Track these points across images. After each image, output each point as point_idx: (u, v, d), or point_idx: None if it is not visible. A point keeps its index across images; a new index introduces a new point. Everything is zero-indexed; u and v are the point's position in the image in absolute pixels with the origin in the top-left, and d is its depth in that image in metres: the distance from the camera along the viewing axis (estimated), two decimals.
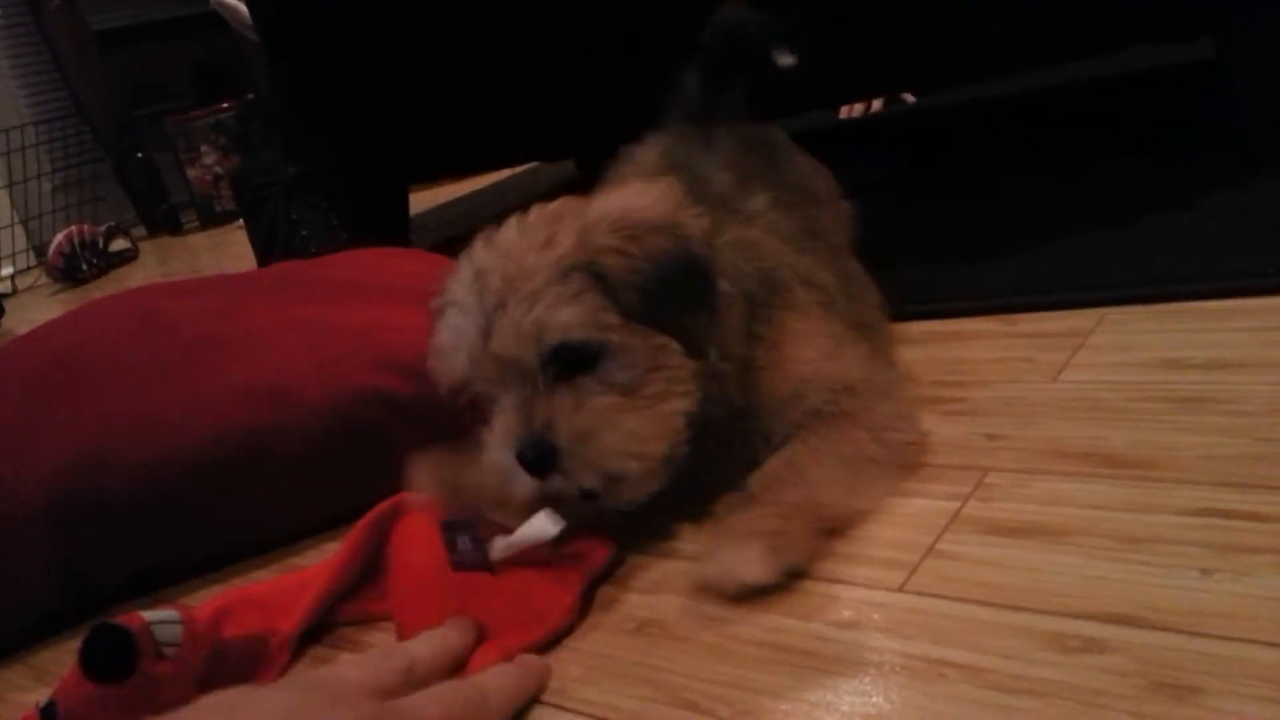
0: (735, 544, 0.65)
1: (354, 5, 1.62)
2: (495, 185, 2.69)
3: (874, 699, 0.54)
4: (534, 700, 0.61)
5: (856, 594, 0.63)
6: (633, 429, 0.67)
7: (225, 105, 3.59)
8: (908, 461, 0.74)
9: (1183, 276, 0.95)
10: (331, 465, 0.89)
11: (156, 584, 0.88)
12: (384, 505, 0.76)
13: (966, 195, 1.42)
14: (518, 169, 2.74)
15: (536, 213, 0.72)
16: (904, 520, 0.70)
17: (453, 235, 2.16)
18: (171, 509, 0.85)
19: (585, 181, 2.46)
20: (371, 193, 1.80)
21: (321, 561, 0.77)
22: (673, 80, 1.03)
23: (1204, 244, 1.02)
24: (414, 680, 0.58)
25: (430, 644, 0.62)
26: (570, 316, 0.66)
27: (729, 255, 0.75)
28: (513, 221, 0.72)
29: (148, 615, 0.61)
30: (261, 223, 1.66)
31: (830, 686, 0.56)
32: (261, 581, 0.77)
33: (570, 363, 0.67)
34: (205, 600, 0.70)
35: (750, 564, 0.63)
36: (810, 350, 0.75)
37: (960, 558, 0.64)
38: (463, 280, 0.71)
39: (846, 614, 0.62)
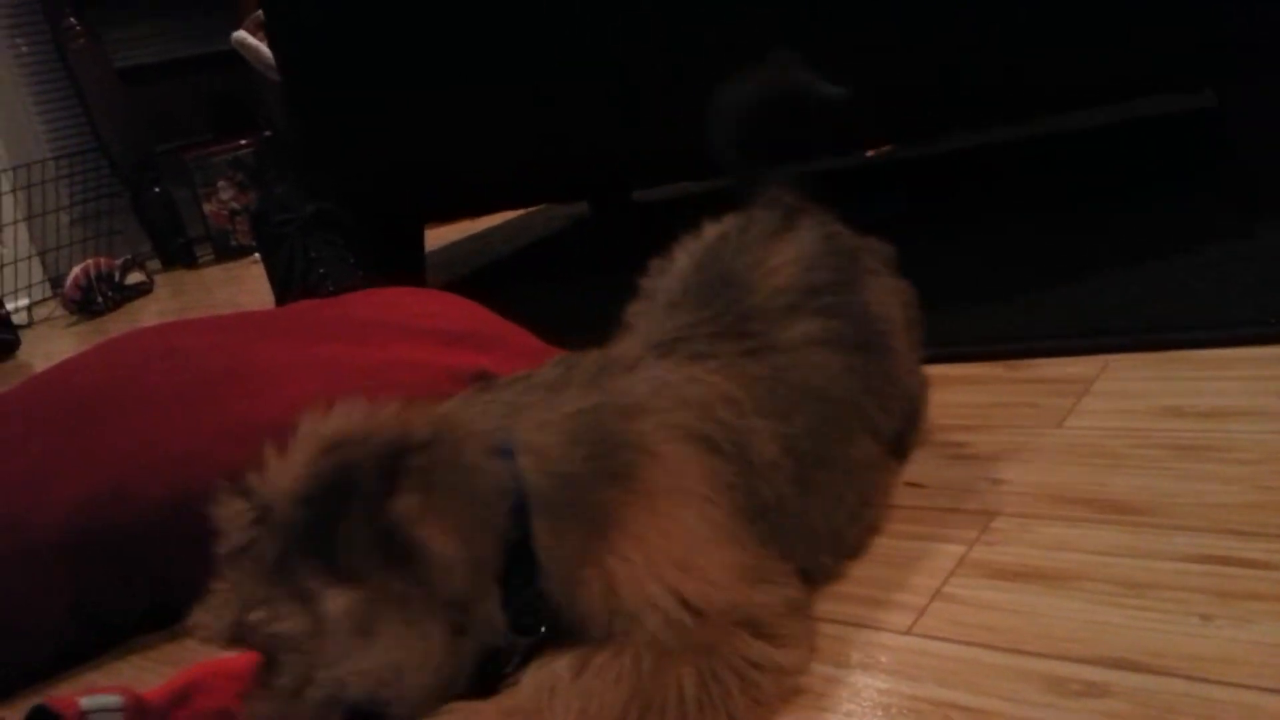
0: None
1: (374, 45, 1.66)
2: (509, 224, 2.73)
3: None
4: None
5: (865, 636, 0.64)
6: None
7: (243, 142, 3.65)
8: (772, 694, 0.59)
9: (1185, 324, 0.97)
10: None
11: (173, 618, 0.89)
12: None
13: (969, 239, 1.44)
14: (531, 209, 2.77)
15: None
16: (912, 563, 0.71)
17: (466, 274, 2.19)
18: (188, 545, 0.86)
19: (598, 222, 2.50)
20: (388, 231, 1.83)
21: None
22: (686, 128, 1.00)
23: (1206, 291, 1.03)
24: None
25: None
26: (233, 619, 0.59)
27: (518, 451, 0.60)
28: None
29: (85, 702, 0.61)
30: (279, 259, 1.69)
31: None
32: (239, 655, 0.70)
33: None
34: (176, 673, 0.69)
35: None
36: (649, 557, 0.58)
37: (967, 601, 0.65)
38: None
39: (855, 656, 0.63)
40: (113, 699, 0.61)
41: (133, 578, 0.87)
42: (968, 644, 0.61)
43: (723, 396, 0.66)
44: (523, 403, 0.64)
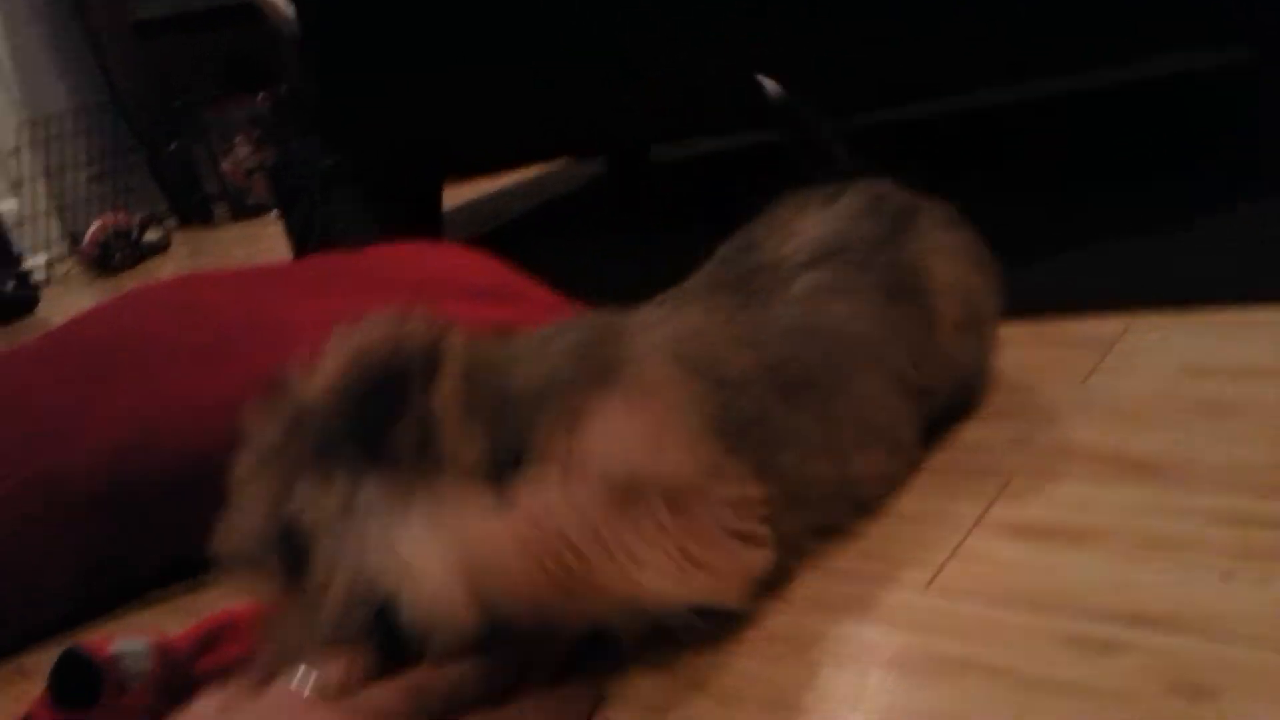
0: None
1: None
2: (525, 183, 2.71)
3: (897, 695, 0.55)
4: None
5: (882, 592, 0.65)
6: None
7: (260, 98, 3.63)
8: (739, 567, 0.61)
9: (1211, 284, 0.95)
10: None
11: (197, 569, 0.90)
12: None
13: (993, 201, 1.43)
14: (548, 167, 2.75)
15: None
16: (930, 519, 0.71)
17: (485, 232, 2.18)
18: (211, 497, 0.87)
19: (615, 182, 2.49)
20: (406, 187, 1.82)
21: None
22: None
23: (1232, 250, 1.02)
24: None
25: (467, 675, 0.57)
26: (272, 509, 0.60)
27: (521, 361, 0.64)
28: None
29: (116, 647, 0.62)
30: (297, 214, 1.69)
31: (854, 682, 0.57)
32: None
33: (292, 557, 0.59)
34: (200, 621, 0.70)
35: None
36: (617, 430, 0.59)
37: (986, 559, 0.65)
38: None
39: (872, 611, 0.63)
40: (141, 644, 0.62)
41: (157, 529, 0.88)
42: (987, 600, 0.61)
43: (696, 329, 0.68)
44: (527, 339, 0.67)
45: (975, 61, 1.33)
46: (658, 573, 0.55)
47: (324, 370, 0.60)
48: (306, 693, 0.53)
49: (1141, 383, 0.83)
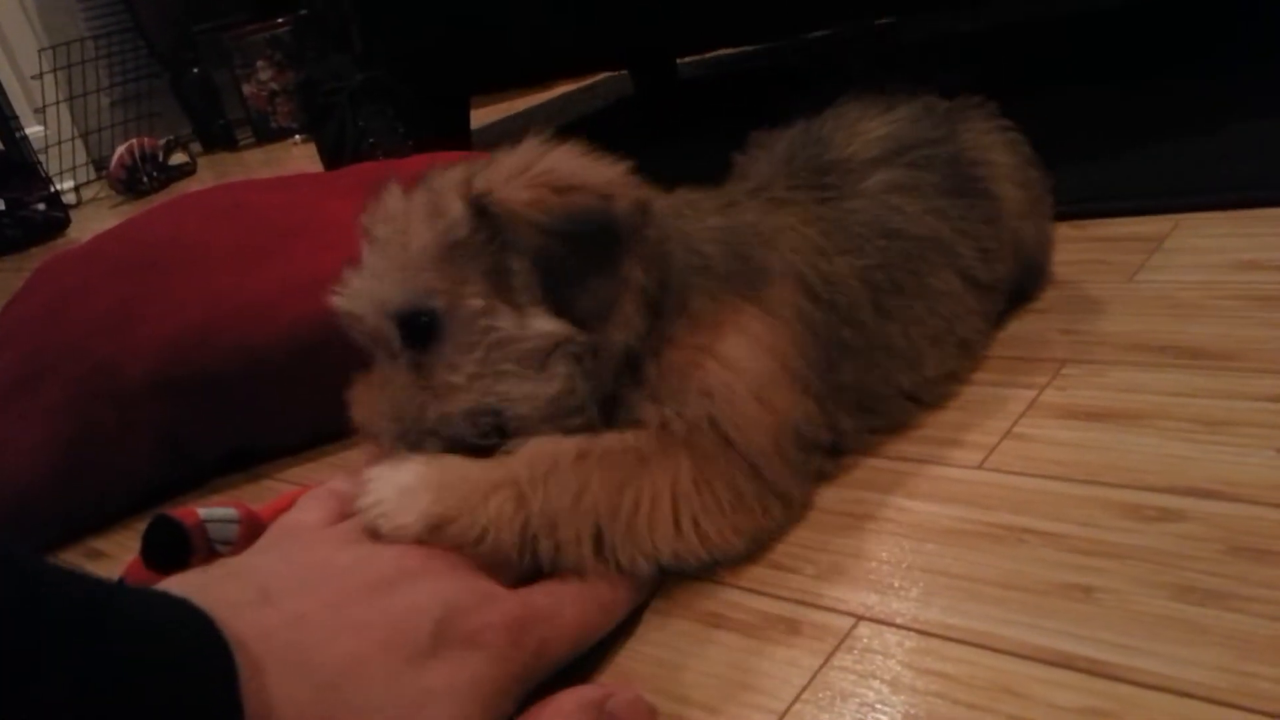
0: (416, 481, 0.55)
1: None
2: (552, 102, 2.69)
3: (954, 560, 0.57)
4: None
5: (935, 471, 0.66)
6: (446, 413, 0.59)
7: (280, 20, 3.59)
8: (759, 531, 0.61)
9: (1260, 182, 0.95)
10: None
11: (255, 459, 0.93)
12: None
13: (1038, 103, 1.41)
14: (573, 85, 2.73)
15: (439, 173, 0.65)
16: (981, 407, 0.72)
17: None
18: (269, 388, 0.89)
19: (642, 98, 2.46)
20: (436, 101, 1.81)
21: None
22: None
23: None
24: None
25: None
26: (415, 285, 0.59)
27: (687, 239, 0.65)
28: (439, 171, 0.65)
29: (204, 513, 0.63)
30: (329, 129, 1.68)
31: (911, 549, 0.59)
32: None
33: (416, 333, 0.60)
34: (283, 494, 0.72)
35: (405, 511, 0.53)
36: (732, 366, 0.61)
37: (1038, 439, 0.66)
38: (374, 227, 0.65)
39: (925, 487, 0.64)
40: (229, 511, 0.63)
41: (215, 419, 0.89)
42: (1041, 476, 0.62)
43: (815, 246, 0.69)
44: (674, 210, 0.68)
45: None
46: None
47: (533, 194, 0.59)
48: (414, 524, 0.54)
49: (1190, 277, 0.83)
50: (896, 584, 0.56)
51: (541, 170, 0.61)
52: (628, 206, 0.60)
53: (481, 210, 0.59)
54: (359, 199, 1.08)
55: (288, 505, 0.65)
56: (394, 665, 0.45)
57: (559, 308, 0.59)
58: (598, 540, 0.55)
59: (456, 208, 0.60)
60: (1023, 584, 0.53)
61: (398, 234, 0.61)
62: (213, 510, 0.62)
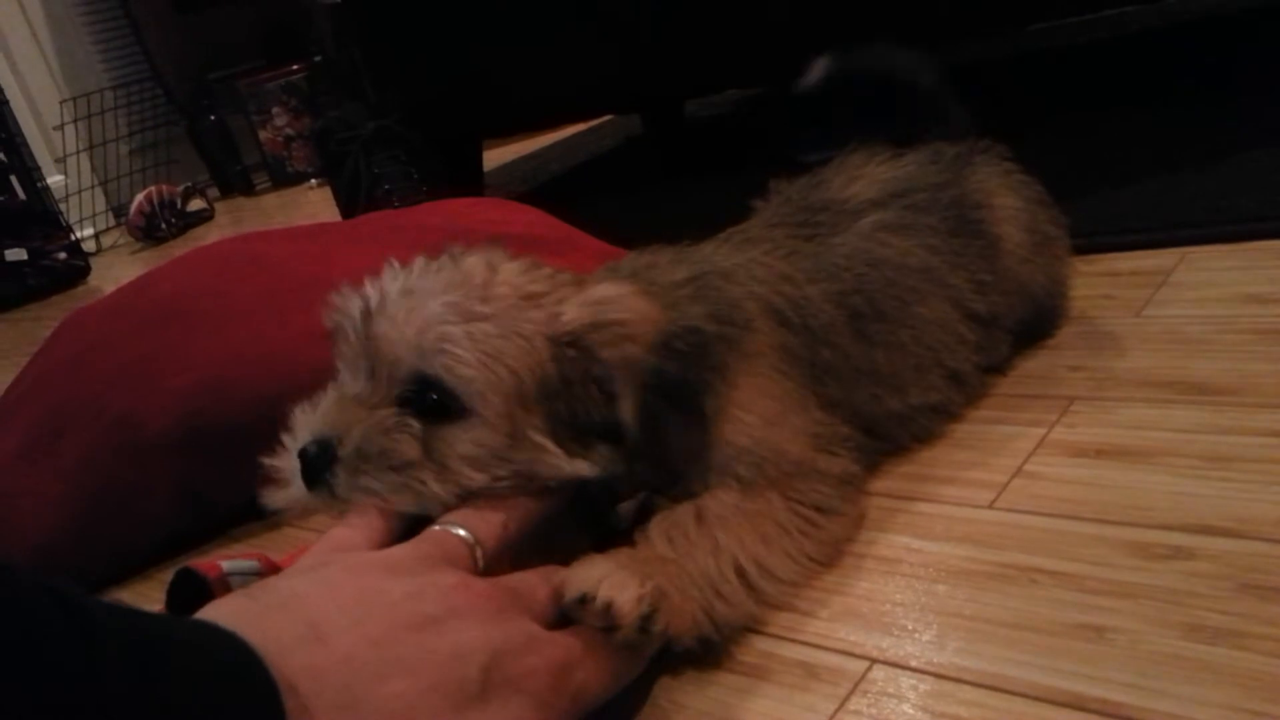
0: (614, 568, 0.54)
1: None
2: (562, 143, 2.72)
3: (967, 602, 0.57)
4: None
5: (946, 511, 0.66)
6: (394, 483, 0.57)
7: (295, 67, 3.66)
8: (835, 539, 0.65)
9: (1264, 215, 0.95)
10: None
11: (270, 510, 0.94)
12: None
13: (1044, 136, 1.42)
14: (583, 126, 2.76)
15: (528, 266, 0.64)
16: (990, 445, 0.72)
17: (524, 191, 2.20)
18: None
19: (651, 138, 2.49)
20: (448, 146, 1.84)
21: None
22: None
23: None
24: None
25: None
26: (474, 362, 0.57)
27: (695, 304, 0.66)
28: (490, 251, 0.64)
29: (227, 565, 0.64)
30: (344, 176, 1.71)
31: (923, 590, 0.59)
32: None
33: (428, 400, 0.58)
34: (302, 546, 0.72)
35: (622, 587, 0.53)
36: (751, 414, 0.65)
37: (1048, 477, 0.67)
38: (412, 264, 0.63)
39: (937, 528, 0.65)
40: (251, 563, 0.64)
41: (234, 469, 0.90)
42: (1051, 515, 0.63)
43: (780, 274, 0.71)
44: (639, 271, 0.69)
45: None
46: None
47: (627, 310, 0.60)
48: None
49: (1196, 312, 0.83)
50: (910, 626, 0.57)
51: (622, 314, 0.60)
52: (695, 340, 0.62)
53: (570, 345, 0.59)
54: (375, 248, 1.11)
55: None
56: (441, 708, 0.45)
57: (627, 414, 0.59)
58: (743, 579, 0.59)
59: (572, 314, 0.60)
60: (1035, 625, 0.54)
61: (473, 308, 0.59)
62: (235, 562, 0.63)
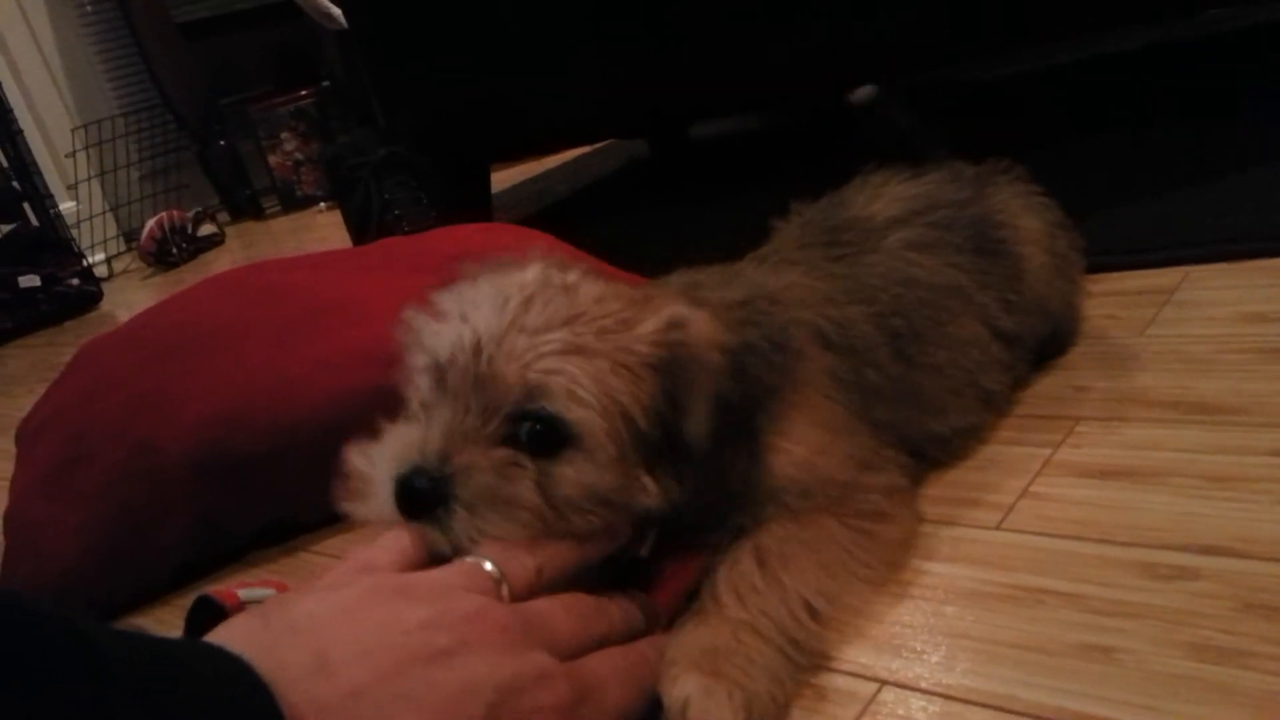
0: (699, 681, 0.54)
1: None
2: (568, 165, 2.74)
3: (975, 623, 0.58)
4: None
5: (954, 532, 0.67)
6: (511, 527, 0.56)
7: (304, 92, 3.69)
8: (894, 542, 0.66)
9: (1266, 233, 0.96)
10: None
11: (290, 533, 0.95)
12: None
13: (1044, 156, 1.43)
14: (588, 149, 2.78)
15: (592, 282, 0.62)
16: (998, 465, 0.73)
17: (532, 213, 2.22)
18: (301, 464, 0.92)
19: (657, 160, 2.51)
20: (456, 171, 1.86)
21: None
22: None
23: None
24: (596, 639, 0.56)
25: (624, 612, 0.59)
26: (571, 397, 0.56)
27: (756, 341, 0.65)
28: (548, 265, 0.63)
29: (244, 594, 0.63)
30: (355, 202, 1.73)
31: (932, 612, 0.60)
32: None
33: (537, 435, 0.57)
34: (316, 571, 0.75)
35: (721, 711, 0.53)
36: (800, 445, 0.65)
37: (1055, 498, 0.67)
38: (494, 281, 0.61)
39: (945, 549, 0.66)
40: (268, 591, 0.65)
41: (250, 495, 0.92)
42: (1058, 536, 0.63)
43: (823, 296, 0.71)
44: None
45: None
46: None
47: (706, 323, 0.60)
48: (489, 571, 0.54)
49: (1199, 331, 0.84)
50: (919, 647, 0.57)
51: (700, 330, 0.60)
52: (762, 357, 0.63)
53: (652, 366, 0.58)
54: (384, 276, 1.12)
55: None
56: None
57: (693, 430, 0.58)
58: (814, 615, 0.59)
59: (652, 329, 0.59)
60: (1043, 646, 0.55)
61: (583, 341, 0.57)
62: (252, 591, 0.64)
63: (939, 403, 0.73)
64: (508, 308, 0.58)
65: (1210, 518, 0.61)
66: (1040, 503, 0.67)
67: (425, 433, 0.57)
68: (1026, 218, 0.84)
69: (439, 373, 0.59)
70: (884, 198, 0.81)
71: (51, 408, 1.01)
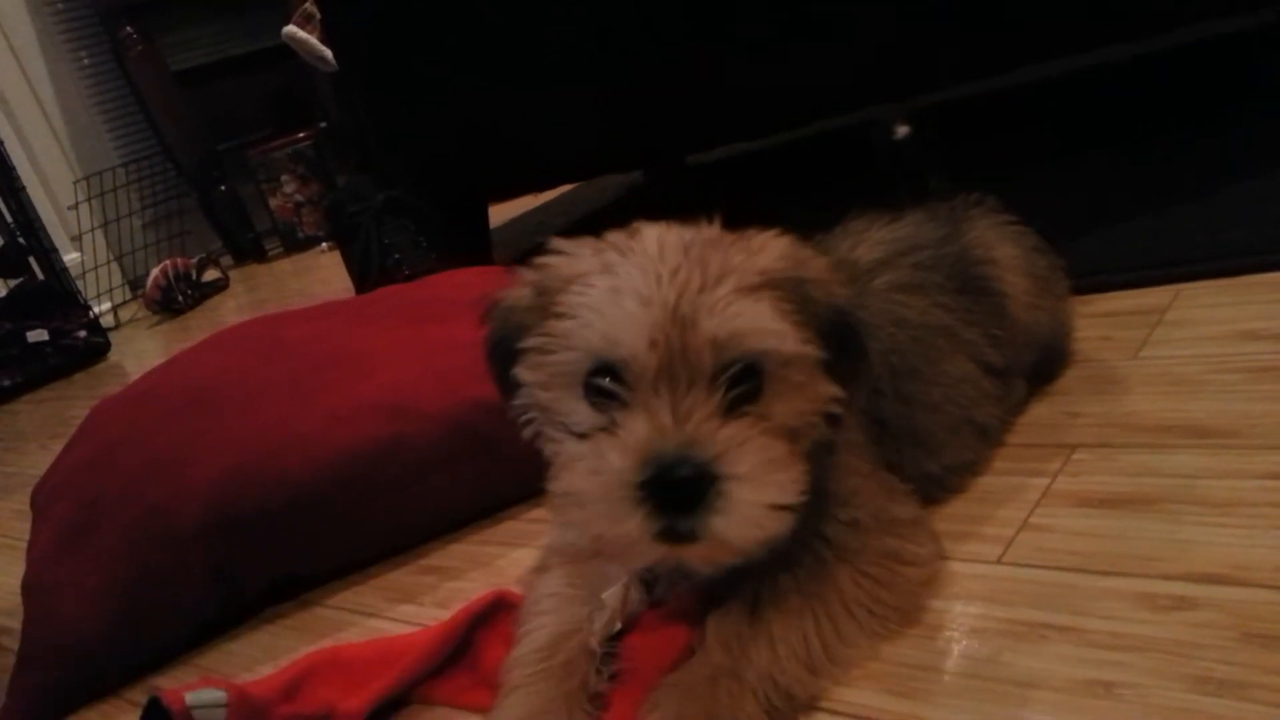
0: None
1: (424, 24, 1.70)
2: (565, 197, 2.76)
3: (977, 660, 0.59)
4: None
5: (955, 567, 0.68)
6: (786, 481, 0.56)
7: (301, 135, 3.73)
8: (912, 605, 0.65)
9: (1256, 249, 0.97)
10: (454, 471, 0.96)
11: (303, 586, 0.96)
12: (487, 596, 0.75)
13: (1035, 175, 1.45)
14: (585, 183, 2.81)
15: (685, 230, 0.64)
16: (996, 497, 0.74)
17: (530, 248, 2.23)
18: (313, 518, 0.93)
19: (653, 188, 2.53)
20: (454, 213, 1.88)
21: (415, 632, 0.77)
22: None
23: (1275, 216, 1.03)
24: None
25: None
26: (769, 328, 0.57)
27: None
28: (662, 229, 0.64)
29: (190, 698, 0.65)
30: (356, 248, 1.75)
31: (935, 650, 0.61)
32: (352, 643, 0.77)
33: (739, 384, 0.57)
34: (290, 663, 0.73)
35: None
36: (856, 459, 0.68)
37: (1054, 529, 0.68)
38: (631, 259, 0.60)
39: (947, 586, 0.66)
40: (217, 694, 0.65)
41: (262, 550, 0.93)
42: (1057, 569, 0.64)
43: None
44: None
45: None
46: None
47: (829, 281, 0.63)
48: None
49: (1191, 351, 0.85)
50: (919, 686, 0.58)
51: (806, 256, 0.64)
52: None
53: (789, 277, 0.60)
54: (387, 326, 1.14)
55: (289, 681, 0.67)
56: None
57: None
58: (804, 664, 0.60)
59: (771, 255, 0.61)
60: (1046, 682, 0.55)
61: (717, 262, 0.59)
62: (199, 694, 0.65)
63: (935, 442, 0.74)
64: (677, 277, 0.58)
65: (1208, 545, 0.61)
66: (1040, 534, 0.68)
67: (657, 421, 0.55)
68: (1003, 247, 0.85)
69: (630, 361, 0.56)
70: (866, 243, 0.82)
71: (64, 474, 1.03)
